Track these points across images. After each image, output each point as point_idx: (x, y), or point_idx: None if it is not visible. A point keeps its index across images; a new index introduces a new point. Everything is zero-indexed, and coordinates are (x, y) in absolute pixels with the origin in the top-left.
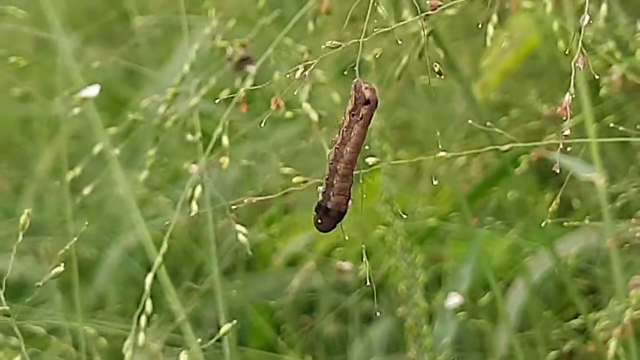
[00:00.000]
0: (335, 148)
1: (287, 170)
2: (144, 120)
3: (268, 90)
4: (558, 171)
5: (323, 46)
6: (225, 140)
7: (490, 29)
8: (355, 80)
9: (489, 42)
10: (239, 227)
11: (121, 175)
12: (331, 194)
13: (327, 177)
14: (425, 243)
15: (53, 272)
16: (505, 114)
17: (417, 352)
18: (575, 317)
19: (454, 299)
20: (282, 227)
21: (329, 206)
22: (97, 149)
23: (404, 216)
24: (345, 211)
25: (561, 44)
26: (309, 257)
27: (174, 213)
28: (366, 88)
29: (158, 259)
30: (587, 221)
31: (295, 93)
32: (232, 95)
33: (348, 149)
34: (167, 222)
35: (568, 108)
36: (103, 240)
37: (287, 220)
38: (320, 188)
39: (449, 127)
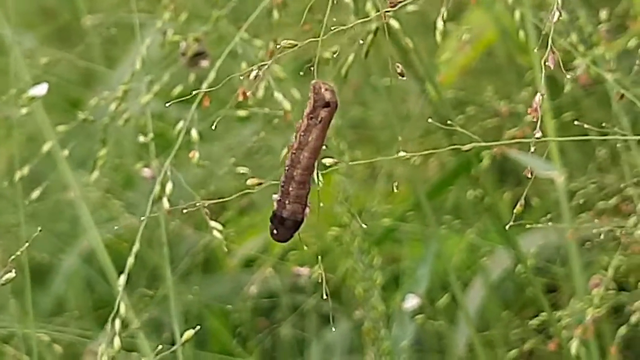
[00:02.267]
0: (292, 153)
1: (242, 170)
2: (94, 120)
3: (221, 90)
4: (516, 169)
5: (278, 45)
6: (194, 134)
7: (440, 24)
8: (313, 81)
9: (438, 37)
10: (213, 223)
11: (71, 177)
12: (287, 202)
13: (282, 184)
14: (382, 244)
15: (4, 278)
16: (462, 112)
17: (375, 355)
18: (536, 316)
19: (412, 301)
20: (239, 229)
21: (284, 215)
22: (45, 148)
23: (360, 217)
24: (302, 220)
25: (522, 34)
26: (264, 259)
27: (127, 217)
28: (326, 90)
29: (130, 260)
30: (546, 219)
31: (252, 92)
32: (191, 93)
33: (305, 154)
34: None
35: (539, 109)
36: (58, 244)
37: (243, 222)
38: (275, 196)
39: (405, 126)
